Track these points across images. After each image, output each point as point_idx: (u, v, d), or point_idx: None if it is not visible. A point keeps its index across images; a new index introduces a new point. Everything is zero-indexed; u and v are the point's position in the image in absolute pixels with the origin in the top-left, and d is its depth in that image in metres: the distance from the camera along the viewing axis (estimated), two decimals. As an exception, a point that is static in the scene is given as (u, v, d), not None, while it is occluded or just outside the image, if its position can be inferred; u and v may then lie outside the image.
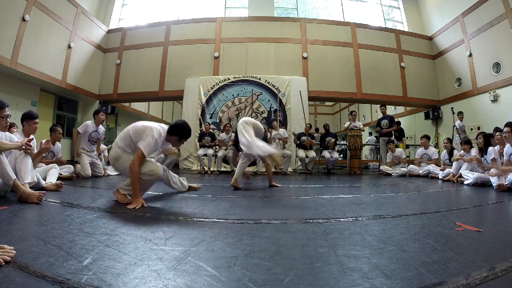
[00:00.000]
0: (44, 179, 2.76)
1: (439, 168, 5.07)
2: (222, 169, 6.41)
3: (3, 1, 5.70)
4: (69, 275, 0.81)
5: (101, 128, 4.69)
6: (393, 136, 6.78)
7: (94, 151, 4.57)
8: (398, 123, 6.95)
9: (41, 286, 0.75)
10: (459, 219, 1.63)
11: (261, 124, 3.56)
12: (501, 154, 3.56)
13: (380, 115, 7.05)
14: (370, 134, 11.88)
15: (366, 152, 11.73)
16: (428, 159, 5.54)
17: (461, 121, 7.07)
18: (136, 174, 2.03)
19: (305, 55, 8.20)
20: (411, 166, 5.71)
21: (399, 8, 10.15)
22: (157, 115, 13.58)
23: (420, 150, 5.75)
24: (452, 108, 7.41)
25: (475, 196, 2.82)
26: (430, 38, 8.99)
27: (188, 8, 9.84)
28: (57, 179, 2.91)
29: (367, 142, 10.87)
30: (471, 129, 7.27)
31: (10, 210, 1.72)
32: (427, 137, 5.72)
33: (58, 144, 3.98)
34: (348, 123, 6.95)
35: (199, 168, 6.59)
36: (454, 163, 4.46)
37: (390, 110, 10.47)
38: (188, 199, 2.36)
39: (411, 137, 9.99)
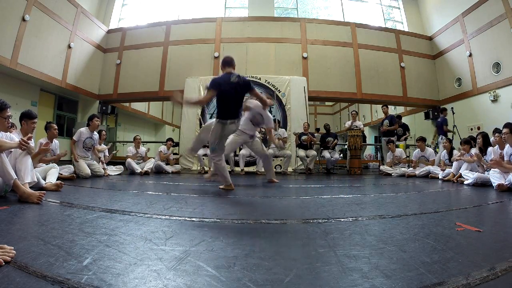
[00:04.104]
0: (44, 179, 2.76)
1: (439, 168, 5.07)
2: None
3: (3, 1, 5.70)
4: (69, 275, 0.81)
5: (95, 135, 4.69)
6: (395, 135, 6.82)
7: (89, 156, 4.60)
8: (399, 117, 6.96)
9: (41, 286, 0.75)
10: (459, 219, 1.63)
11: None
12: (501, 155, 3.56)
13: (382, 116, 7.10)
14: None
15: (369, 151, 11.73)
16: (426, 161, 5.55)
17: None
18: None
19: (305, 55, 8.19)
20: (409, 169, 5.72)
21: (399, 8, 10.15)
22: (157, 115, 13.59)
23: (417, 152, 5.75)
24: (452, 108, 7.41)
25: (475, 196, 2.82)
26: (430, 38, 8.98)
27: (188, 8, 9.84)
28: (57, 179, 2.91)
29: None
30: (471, 129, 7.27)
31: (10, 210, 1.72)
32: (423, 140, 5.72)
33: (55, 141, 3.98)
34: (349, 122, 6.96)
35: (199, 168, 6.59)
36: (454, 163, 4.45)
37: (390, 110, 10.47)
38: (188, 199, 2.36)
39: (411, 137, 9.99)
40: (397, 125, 6.77)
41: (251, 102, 3.89)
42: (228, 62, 3.06)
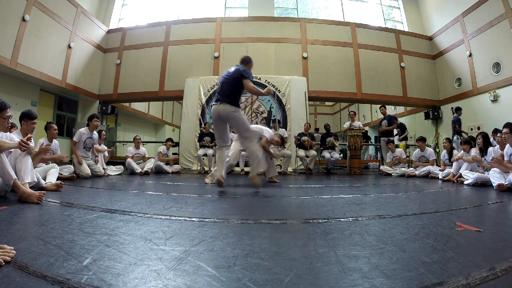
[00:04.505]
0: (44, 179, 2.76)
1: (439, 168, 5.07)
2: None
3: (3, 1, 5.70)
4: (69, 275, 0.81)
5: (95, 134, 4.71)
6: (396, 135, 6.81)
7: (90, 156, 4.61)
8: (394, 118, 6.97)
9: (41, 286, 0.75)
10: (459, 219, 1.63)
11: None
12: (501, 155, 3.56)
13: (381, 116, 7.09)
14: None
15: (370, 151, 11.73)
16: (426, 161, 5.54)
17: None
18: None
19: (305, 55, 8.19)
20: (410, 169, 5.71)
21: (399, 8, 10.15)
22: (157, 115, 13.59)
23: (417, 152, 5.75)
24: (452, 108, 7.41)
25: (475, 196, 2.82)
26: (430, 38, 8.99)
27: (188, 8, 9.84)
28: (57, 179, 2.91)
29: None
30: (471, 129, 7.27)
31: (10, 210, 1.72)
32: (423, 140, 5.72)
33: (55, 141, 3.98)
34: (348, 123, 6.96)
35: (199, 168, 6.59)
36: (454, 163, 4.46)
37: (390, 110, 10.48)
38: (188, 199, 2.36)
39: (411, 137, 10.00)
40: (395, 124, 6.78)
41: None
42: (241, 59, 3.26)
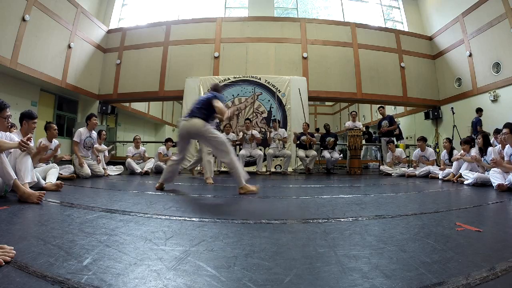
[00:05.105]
0: (44, 179, 2.76)
1: (439, 168, 5.07)
2: (222, 169, 6.41)
3: (3, 1, 5.70)
4: (69, 275, 0.81)
5: (94, 134, 4.72)
6: (395, 135, 6.80)
7: (89, 156, 4.61)
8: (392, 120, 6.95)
9: (41, 286, 0.75)
10: (459, 219, 1.63)
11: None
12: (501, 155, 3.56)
13: (380, 116, 7.08)
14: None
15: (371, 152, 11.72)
16: (426, 161, 5.55)
17: None
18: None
19: (305, 55, 8.19)
20: (410, 169, 5.71)
21: (399, 8, 10.15)
22: (157, 115, 13.59)
23: (417, 152, 5.76)
24: (452, 108, 7.41)
25: (475, 196, 2.82)
26: (430, 38, 8.98)
27: (188, 8, 9.84)
28: (57, 179, 2.91)
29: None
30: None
31: (10, 210, 1.72)
32: (423, 139, 5.72)
33: (55, 141, 3.99)
34: (350, 123, 6.96)
35: (199, 168, 6.58)
36: (454, 163, 4.46)
37: (390, 110, 10.48)
38: (188, 199, 2.36)
39: (411, 137, 10.00)
40: (396, 124, 6.77)
41: None
42: (211, 87, 3.38)
